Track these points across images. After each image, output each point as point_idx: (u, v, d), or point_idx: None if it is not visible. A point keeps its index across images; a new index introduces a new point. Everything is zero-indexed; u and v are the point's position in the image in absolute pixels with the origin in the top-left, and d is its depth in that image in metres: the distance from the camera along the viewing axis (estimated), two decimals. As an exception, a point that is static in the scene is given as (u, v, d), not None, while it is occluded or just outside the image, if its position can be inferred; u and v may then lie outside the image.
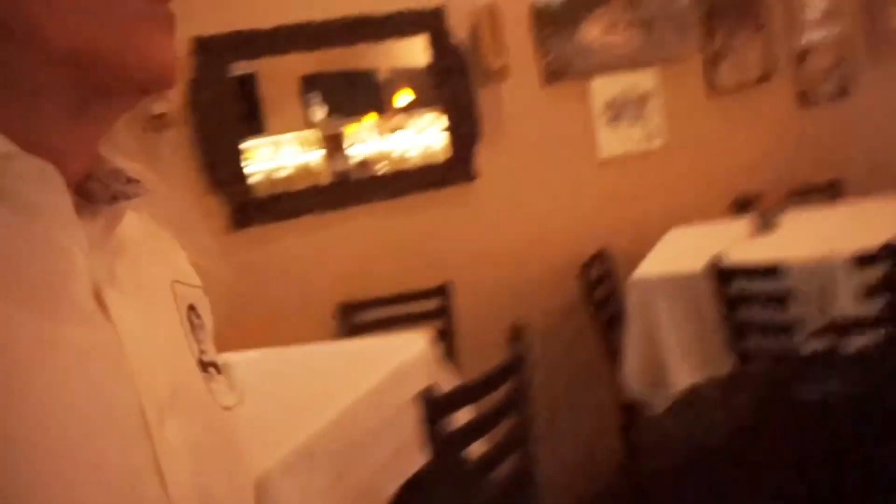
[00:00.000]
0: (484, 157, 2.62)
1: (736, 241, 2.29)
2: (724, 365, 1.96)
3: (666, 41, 2.86)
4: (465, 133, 2.57)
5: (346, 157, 2.60)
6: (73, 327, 0.29)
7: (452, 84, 2.53)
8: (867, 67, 3.19)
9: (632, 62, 2.80)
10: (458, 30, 2.54)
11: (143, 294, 0.35)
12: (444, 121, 2.56)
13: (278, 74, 2.49)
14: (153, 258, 0.38)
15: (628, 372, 2.13)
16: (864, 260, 1.59)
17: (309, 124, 2.59)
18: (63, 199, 0.29)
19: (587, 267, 2.52)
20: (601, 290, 2.53)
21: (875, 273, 1.60)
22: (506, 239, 2.67)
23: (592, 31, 2.74)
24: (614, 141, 2.79)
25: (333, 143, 2.60)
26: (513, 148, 2.67)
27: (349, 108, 2.64)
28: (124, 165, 0.35)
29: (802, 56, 3.11)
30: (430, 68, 2.53)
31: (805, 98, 3.12)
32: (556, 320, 2.67)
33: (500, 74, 2.56)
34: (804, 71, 3.12)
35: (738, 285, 1.81)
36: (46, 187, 0.28)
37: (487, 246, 2.65)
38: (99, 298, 0.31)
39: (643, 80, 2.82)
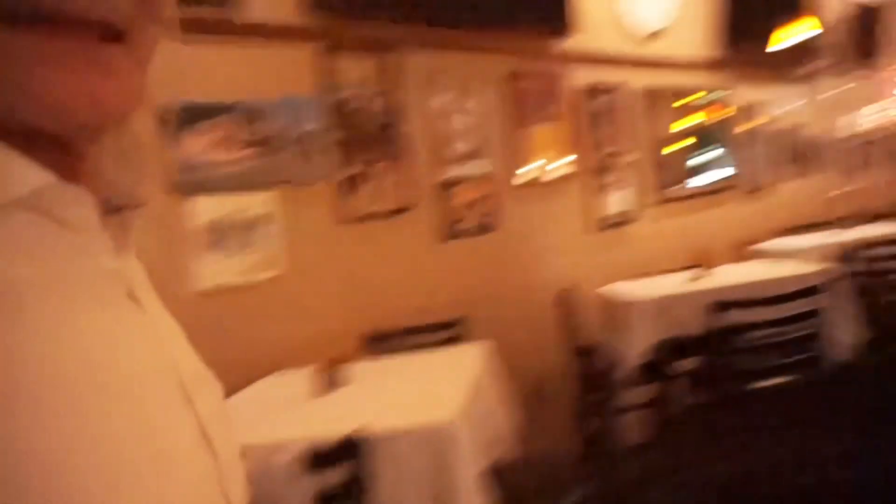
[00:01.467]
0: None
1: (298, 400, 2.02)
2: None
3: (290, 164, 2.66)
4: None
5: None
6: (122, 313, 0.35)
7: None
8: (510, 205, 3.27)
9: (245, 183, 2.55)
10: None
11: (152, 291, 0.41)
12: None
13: None
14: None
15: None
16: (315, 461, 1.34)
17: None
18: (94, 216, 0.35)
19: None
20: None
21: (335, 476, 1.36)
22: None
23: (195, 146, 2.46)
24: (217, 269, 2.48)
25: None
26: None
27: None
28: (117, 178, 0.39)
29: (447, 190, 3.11)
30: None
31: (447, 232, 3.09)
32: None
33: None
34: (448, 205, 3.11)
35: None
36: (83, 208, 0.34)
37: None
38: (132, 295, 0.36)
39: (258, 202, 2.58)
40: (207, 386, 0.41)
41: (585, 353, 2.86)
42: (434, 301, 2.91)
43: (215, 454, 0.37)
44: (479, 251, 3.13)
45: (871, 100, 6.71)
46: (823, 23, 5.43)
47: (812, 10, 4.64)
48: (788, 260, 3.45)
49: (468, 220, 3.13)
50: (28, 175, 0.31)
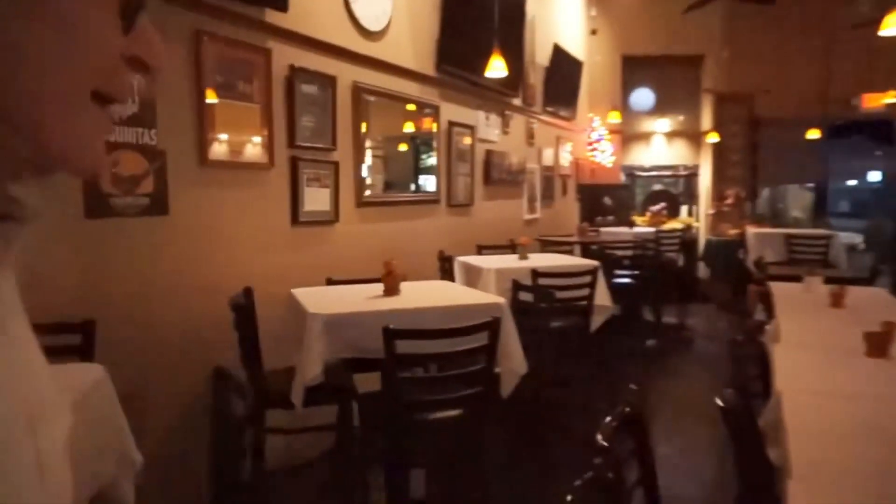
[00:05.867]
0: None
1: None
2: None
3: None
4: None
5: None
6: None
7: None
8: (186, 188, 2.73)
9: None
10: None
11: (21, 312, 0.39)
12: None
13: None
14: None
15: None
16: None
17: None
18: None
19: None
20: None
21: None
22: None
23: None
24: None
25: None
26: None
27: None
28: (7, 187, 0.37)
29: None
30: None
31: (96, 209, 2.43)
32: None
33: None
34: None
35: None
36: None
37: None
38: (3, 325, 0.37)
39: None
40: (56, 416, 0.41)
41: (222, 376, 2.55)
42: (57, 298, 2.26)
43: (45, 483, 0.38)
44: (135, 236, 2.54)
45: (561, 141, 7.58)
46: (522, 64, 5.89)
47: (510, 51, 4.93)
48: (471, 286, 3.54)
49: (126, 195, 2.52)
50: None
